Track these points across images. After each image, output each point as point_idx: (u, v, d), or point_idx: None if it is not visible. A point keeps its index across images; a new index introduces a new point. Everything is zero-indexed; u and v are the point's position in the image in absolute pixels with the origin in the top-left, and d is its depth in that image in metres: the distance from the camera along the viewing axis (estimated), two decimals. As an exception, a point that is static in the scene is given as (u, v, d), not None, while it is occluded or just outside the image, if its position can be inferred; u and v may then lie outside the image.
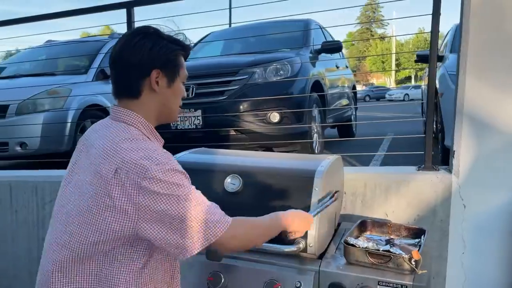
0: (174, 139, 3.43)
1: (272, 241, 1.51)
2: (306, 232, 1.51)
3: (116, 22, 2.87)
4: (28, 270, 2.84)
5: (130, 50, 1.16)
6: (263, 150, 3.75)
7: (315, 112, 3.88)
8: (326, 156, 1.83)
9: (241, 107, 3.35)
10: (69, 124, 4.29)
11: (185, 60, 1.28)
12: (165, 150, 1.16)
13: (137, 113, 1.18)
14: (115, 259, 1.08)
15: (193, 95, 3.42)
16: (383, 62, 49.87)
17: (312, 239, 1.51)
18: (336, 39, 5.42)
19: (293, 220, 1.33)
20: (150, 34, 1.19)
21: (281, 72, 3.54)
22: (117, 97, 1.21)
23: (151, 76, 1.16)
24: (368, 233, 1.76)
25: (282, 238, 1.50)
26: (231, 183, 1.65)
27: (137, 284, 1.10)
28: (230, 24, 11.82)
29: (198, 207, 1.09)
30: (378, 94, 29.69)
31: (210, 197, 1.55)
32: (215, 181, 1.68)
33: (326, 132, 5.81)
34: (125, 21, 2.57)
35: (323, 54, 4.62)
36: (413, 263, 1.39)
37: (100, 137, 1.15)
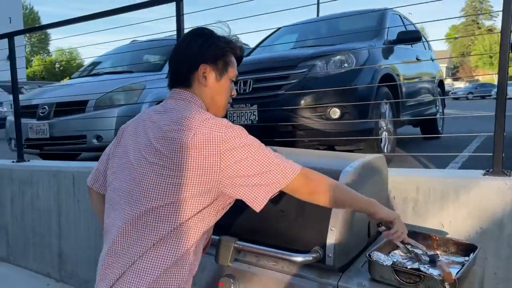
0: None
1: (286, 248, 1.37)
2: (325, 241, 1.33)
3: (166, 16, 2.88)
4: (88, 257, 2.99)
5: (185, 46, 1.30)
6: (324, 149, 3.54)
7: (385, 107, 3.57)
8: (363, 155, 1.62)
9: (298, 102, 3.18)
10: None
11: (239, 62, 1.36)
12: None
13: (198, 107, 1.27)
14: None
15: (250, 89, 3.33)
16: (490, 57, 45.35)
17: (331, 248, 1.33)
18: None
19: (383, 209, 1.30)
20: (204, 33, 1.31)
21: (346, 64, 3.30)
22: (172, 87, 1.31)
23: (199, 70, 1.26)
24: (409, 245, 1.51)
25: (300, 244, 1.35)
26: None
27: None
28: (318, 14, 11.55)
29: (269, 153, 1.17)
30: (483, 92, 27.04)
31: None
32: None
33: (406, 130, 5.36)
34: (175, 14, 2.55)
35: (400, 46, 4.24)
36: (447, 286, 1.14)
37: (164, 115, 1.22)
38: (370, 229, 1.54)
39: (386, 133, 3.58)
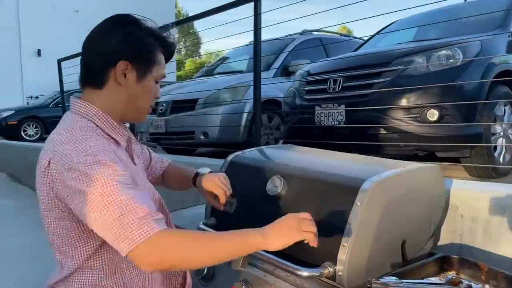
0: (318, 136, 3.27)
1: (301, 259, 1.28)
2: (336, 256, 1.20)
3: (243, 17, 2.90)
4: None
5: (102, 36, 1.10)
6: (424, 155, 3.19)
7: (503, 109, 3.05)
8: (407, 163, 1.41)
9: (389, 101, 2.91)
10: (244, 116, 4.62)
11: (168, 60, 1.20)
12: (104, 142, 1.05)
13: (95, 105, 1.10)
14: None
15: (340, 88, 3.17)
16: None
17: (342, 266, 1.19)
18: None
19: (268, 236, 1.05)
20: (127, 23, 1.12)
21: (451, 60, 2.91)
22: (82, 85, 1.15)
23: (117, 67, 1.08)
24: (451, 273, 1.27)
25: (314, 257, 1.25)
26: (272, 186, 1.45)
27: None
28: None
29: (114, 198, 0.93)
30: None
31: (251, 198, 1.42)
32: (261, 181, 1.51)
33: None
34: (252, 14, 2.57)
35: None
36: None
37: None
38: (405, 251, 1.34)
39: (504, 140, 3.06)
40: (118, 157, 1.05)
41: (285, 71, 5.28)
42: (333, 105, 3.17)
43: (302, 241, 1.30)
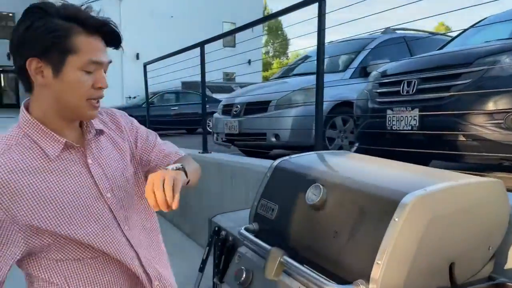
0: (389, 141, 3.09)
1: (333, 273, 1.22)
2: (369, 274, 1.11)
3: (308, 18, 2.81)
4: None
5: (12, 33, 0.96)
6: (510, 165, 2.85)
7: None
8: (464, 176, 1.26)
9: (469, 106, 2.65)
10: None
11: (108, 39, 1.04)
12: (12, 158, 0.96)
13: (31, 112, 1.03)
14: None
15: (414, 91, 2.96)
16: None
17: (374, 284, 1.10)
18: None
19: None
20: (34, 11, 0.95)
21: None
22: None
23: (27, 66, 0.96)
24: (508, 305, 1.11)
25: (347, 272, 1.18)
26: (312, 194, 1.39)
27: None
28: None
29: None
30: None
31: (291, 206, 1.42)
32: (301, 189, 1.45)
33: None
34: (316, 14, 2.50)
35: None
36: None
37: None
38: (455, 274, 1.19)
39: None
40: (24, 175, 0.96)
41: (364, 72, 5.09)
42: (406, 108, 2.97)
43: (338, 255, 1.23)
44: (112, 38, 1.05)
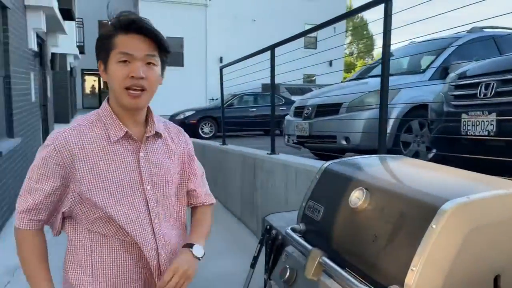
0: (464, 147, 2.92)
1: (369, 276, 1.22)
2: (404, 280, 1.10)
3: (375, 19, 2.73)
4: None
5: None
6: None
7: None
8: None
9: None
10: (391, 123, 4.38)
11: (132, 31, 1.18)
12: (73, 135, 1.17)
13: (109, 101, 1.25)
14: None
15: (492, 94, 2.76)
16: None
17: (408, 296, 1.08)
18: None
19: None
20: (100, 27, 1.32)
21: None
22: None
23: (98, 68, 1.23)
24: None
25: (383, 277, 1.18)
26: (355, 197, 1.39)
27: None
28: None
29: (23, 186, 1.19)
30: None
31: (335, 208, 1.43)
32: (346, 191, 1.45)
33: None
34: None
35: None
36: None
37: None
38: (499, 285, 1.12)
39: None
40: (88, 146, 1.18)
41: (445, 73, 4.81)
42: (482, 113, 2.78)
43: (376, 259, 1.22)
44: (146, 33, 1.17)
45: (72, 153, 1.14)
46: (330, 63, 22.69)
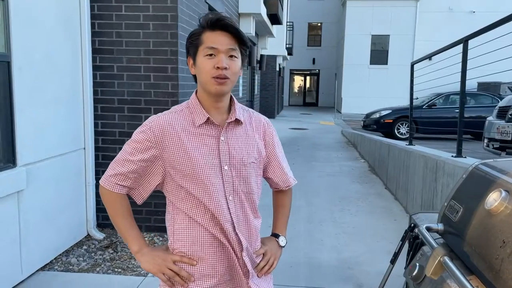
0: None
1: (486, 281, 1.15)
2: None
3: None
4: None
5: None
6: None
7: None
8: None
9: None
10: None
11: (218, 27, 1.32)
12: (166, 119, 1.36)
13: (197, 93, 1.42)
14: None
15: None
16: None
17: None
18: None
19: (140, 256, 1.37)
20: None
21: None
22: None
23: (188, 63, 1.41)
24: None
25: (499, 282, 1.09)
26: (492, 199, 1.26)
27: None
28: None
29: (117, 156, 1.38)
30: None
31: (472, 209, 1.41)
32: (485, 193, 1.33)
33: None
34: None
35: None
36: None
37: None
38: None
39: None
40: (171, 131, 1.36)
41: None
42: None
43: (500, 265, 1.12)
44: (229, 29, 1.33)
45: (164, 133, 1.33)
46: None
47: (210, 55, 1.31)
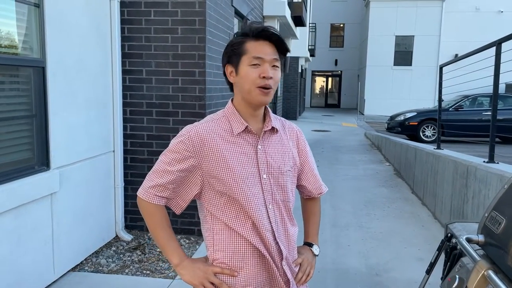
0: None
1: None
2: None
3: None
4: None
5: None
6: None
7: None
8: None
9: None
10: None
11: (262, 37, 1.32)
12: (203, 128, 1.34)
13: (233, 102, 1.41)
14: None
15: None
16: None
17: None
18: None
19: (180, 269, 1.35)
20: (233, 35, 1.40)
21: None
22: None
23: (225, 71, 1.39)
24: None
25: None
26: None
27: None
28: None
29: (155, 167, 1.37)
30: None
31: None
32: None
33: None
34: None
35: None
36: None
37: None
38: None
39: None
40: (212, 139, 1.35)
41: None
42: None
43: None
44: (273, 39, 1.34)
45: (203, 142, 1.31)
46: None
47: (255, 64, 1.31)
